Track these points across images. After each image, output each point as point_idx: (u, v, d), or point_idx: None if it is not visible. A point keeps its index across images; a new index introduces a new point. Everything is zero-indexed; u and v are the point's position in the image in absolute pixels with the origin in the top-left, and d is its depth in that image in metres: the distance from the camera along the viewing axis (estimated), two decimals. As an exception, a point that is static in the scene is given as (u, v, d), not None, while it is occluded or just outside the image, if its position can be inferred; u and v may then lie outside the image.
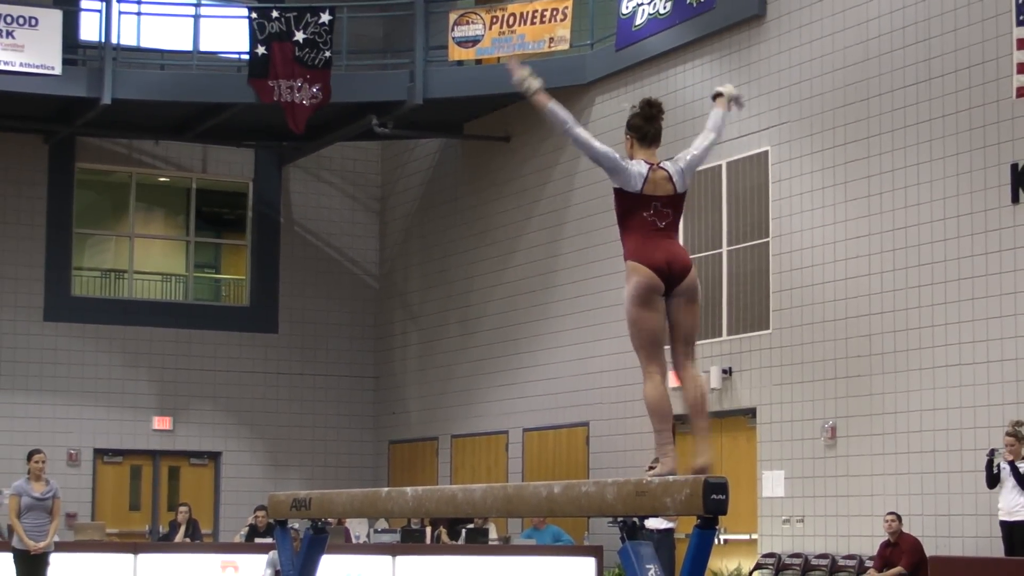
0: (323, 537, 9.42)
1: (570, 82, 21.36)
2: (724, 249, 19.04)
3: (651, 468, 6.96)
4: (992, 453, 14.55)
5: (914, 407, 16.33)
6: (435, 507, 8.22)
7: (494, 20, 21.93)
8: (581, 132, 7.03)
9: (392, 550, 18.58)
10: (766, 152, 18.48)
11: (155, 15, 24.17)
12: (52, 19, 21.63)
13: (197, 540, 20.76)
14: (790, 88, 18.18)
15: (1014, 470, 14.29)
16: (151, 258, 26.02)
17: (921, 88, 16.56)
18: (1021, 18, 15.09)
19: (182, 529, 20.55)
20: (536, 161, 22.57)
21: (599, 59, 20.79)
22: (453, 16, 22.28)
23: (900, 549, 15.71)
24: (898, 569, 15.61)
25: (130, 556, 17.90)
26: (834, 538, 17.26)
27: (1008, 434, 14.42)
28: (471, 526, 20.03)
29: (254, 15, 21.98)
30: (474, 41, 22.10)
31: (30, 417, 23.59)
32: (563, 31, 21.35)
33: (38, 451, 14.83)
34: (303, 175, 26.28)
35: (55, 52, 21.45)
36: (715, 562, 18.11)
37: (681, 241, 7.30)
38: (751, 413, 18.47)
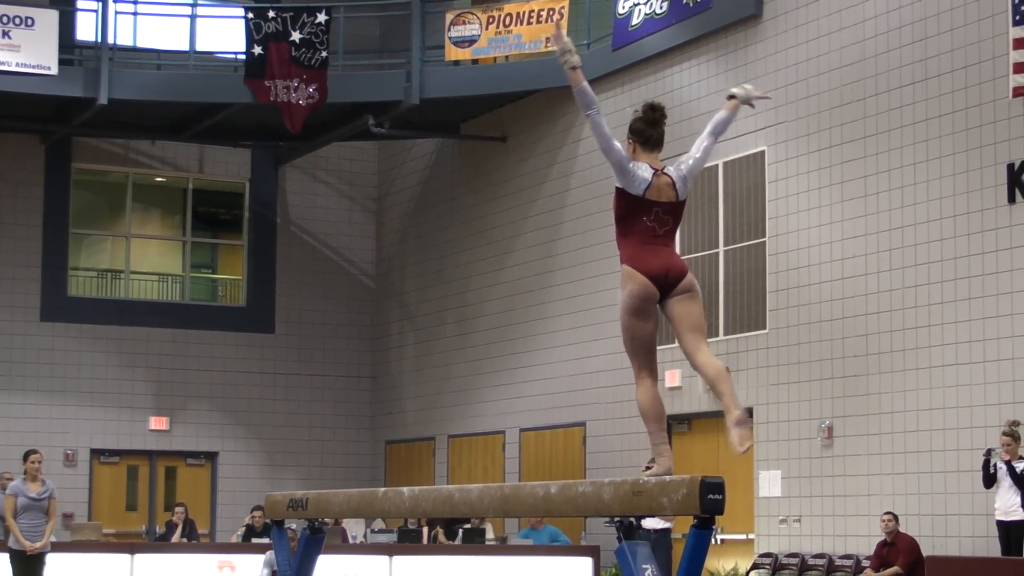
0: (320, 537, 9.41)
1: (566, 82, 21.26)
2: (721, 249, 19.04)
3: (648, 468, 6.96)
4: (989, 453, 14.56)
5: (911, 407, 16.34)
6: (432, 507, 8.21)
7: (490, 20, 21.93)
8: (603, 121, 7.01)
9: (389, 550, 18.57)
10: (762, 152, 18.48)
11: (151, 15, 24.15)
12: (48, 19, 21.62)
13: (194, 540, 20.75)
14: (786, 88, 18.18)
15: (1011, 470, 14.30)
16: (148, 258, 26.01)
17: (917, 88, 16.57)
18: (1017, 18, 15.11)
19: (179, 529, 20.55)
20: (532, 161, 22.57)
21: (595, 59, 20.77)
22: (449, 16, 22.28)
23: (897, 549, 15.71)
24: (895, 569, 15.62)
25: (127, 556, 17.89)
26: (831, 538, 17.27)
27: (1005, 434, 14.43)
28: (468, 526, 20.03)
29: (250, 15, 21.97)
30: (470, 41, 22.10)
31: (27, 417, 23.59)
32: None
33: (34, 451, 14.81)
34: (300, 175, 26.27)
35: (51, 52, 21.43)
36: (712, 562, 18.12)
37: (678, 241, 7.31)
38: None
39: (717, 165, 18.92)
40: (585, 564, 18.49)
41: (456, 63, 22.58)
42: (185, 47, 23.60)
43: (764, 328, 18.30)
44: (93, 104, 21.90)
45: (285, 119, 21.90)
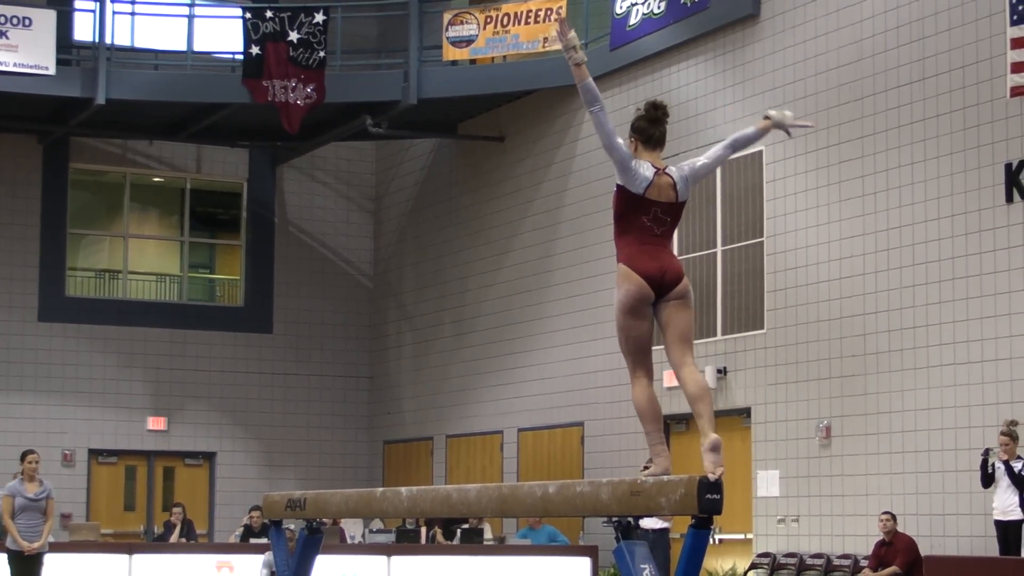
0: (318, 537, 9.41)
1: (564, 82, 21.35)
2: (719, 249, 19.05)
3: (646, 468, 6.96)
4: (987, 452, 14.56)
5: (908, 407, 16.34)
6: (430, 507, 8.22)
7: (488, 20, 21.93)
8: (607, 119, 7.00)
9: (387, 550, 18.57)
10: (760, 152, 18.48)
11: (149, 15, 24.14)
12: (46, 19, 21.61)
13: (192, 540, 20.75)
14: (784, 88, 18.18)
15: (1009, 469, 14.30)
16: (145, 258, 26.00)
17: (915, 88, 16.57)
18: (1015, 18, 15.11)
19: (177, 529, 20.54)
20: (530, 161, 22.57)
21: (593, 59, 20.74)
22: (447, 16, 22.28)
23: (895, 548, 15.71)
24: (893, 569, 15.62)
25: (125, 556, 17.88)
26: (829, 538, 17.27)
27: (1003, 433, 14.43)
28: (466, 526, 20.03)
29: (248, 15, 21.97)
30: (468, 41, 22.10)
31: (25, 418, 23.58)
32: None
33: (31, 451, 14.79)
34: (297, 175, 26.27)
35: (49, 52, 21.43)
36: (710, 562, 18.12)
37: (676, 241, 7.29)
38: (746, 413, 18.48)
39: (715, 165, 18.90)
40: (583, 564, 18.49)
41: (454, 63, 22.58)
42: (183, 47, 23.60)
43: (762, 328, 18.30)
44: (91, 104, 21.90)
45: (283, 119, 21.89)
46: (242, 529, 20.23)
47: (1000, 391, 15.37)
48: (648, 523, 16.69)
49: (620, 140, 7.01)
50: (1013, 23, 15.13)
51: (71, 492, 23.24)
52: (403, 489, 8.41)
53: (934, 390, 16.05)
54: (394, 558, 18.23)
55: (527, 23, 21.61)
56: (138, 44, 24.34)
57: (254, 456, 25.20)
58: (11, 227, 24.11)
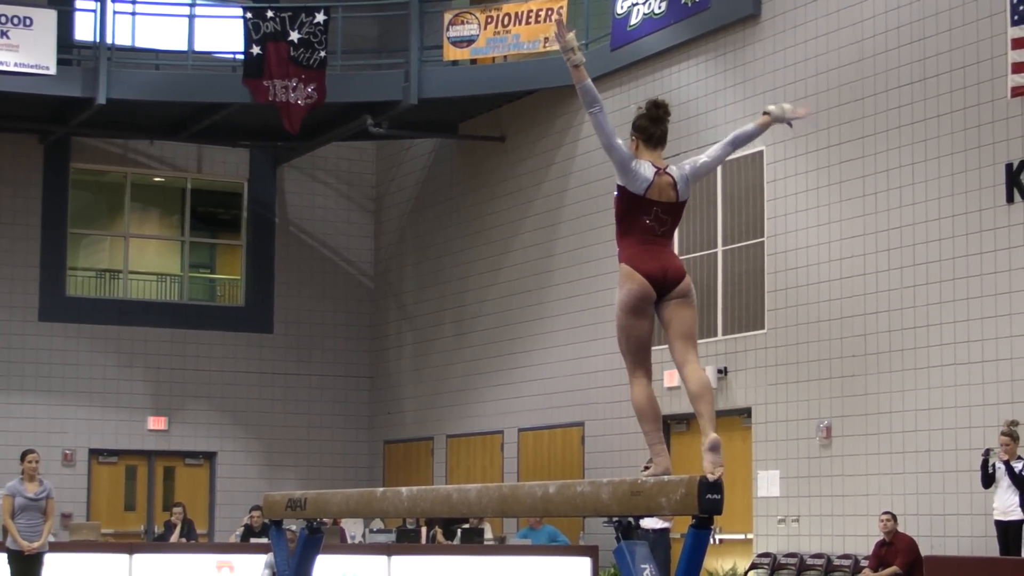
0: (318, 537, 9.41)
1: (565, 82, 21.31)
2: (719, 249, 19.04)
3: (646, 468, 6.96)
4: (987, 453, 14.56)
5: (909, 407, 16.34)
6: (430, 507, 8.21)
7: (489, 20, 21.93)
8: (606, 119, 6.99)
9: (387, 550, 18.57)
10: (761, 152, 18.47)
11: (150, 15, 24.14)
12: (47, 19, 21.61)
13: (192, 540, 20.74)
14: (784, 88, 18.18)
15: (1009, 470, 14.30)
16: (146, 258, 26.00)
17: (916, 88, 16.57)
18: (1015, 18, 15.11)
19: (177, 529, 20.54)
20: (531, 161, 22.57)
21: (594, 59, 20.75)
22: (448, 16, 22.28)
23: (895, 548, 15.71)
24: (893, 569, 15.62)
25: (125, 556, 17.88)
26: (829, 538, 17.27)
27: (1003, 433, 14.43)
28: (466, 526, 20.03)
29: (249, 15, 21.97)
30: (469, 41, 22.10)
31: (25, 417, 23.58)
32: (558, 31, 21.31)
33: (31, 451, 14.79)
34: (298, 175, 26.27)
35: (50, 52, 21.42)
36: (710, 562, 18.12)
37: (676, 241, 7.28)
38: (746, 413, 18.48)
39: (716, 165, 18.90)
40: (584, 564, 18.48)
41: (454, 63, 22.58)
42: (183, 47, 23.60)
43: (762, 328, 18.30)
44: (91, 104, 21.90)
45: (283, 119, 21.89)
46: (242, 529, 20.23)
47: (1000, 391, 15.37)
48: (648, 523, 16.69)
49: (620, 141, 7.01)
50: (1014, 23, 15.13)
51: (71, 492, 23.24)
52: (403, 489, 8.40)
53: (935, 390, 16.05)
54: (394, 558, 18.23)
55: (528, 23, 21.62)
56: (139, 44, 24.34)
57: (254, 456, 25.20)
58: (12, 227, 24.11)
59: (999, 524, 14.49)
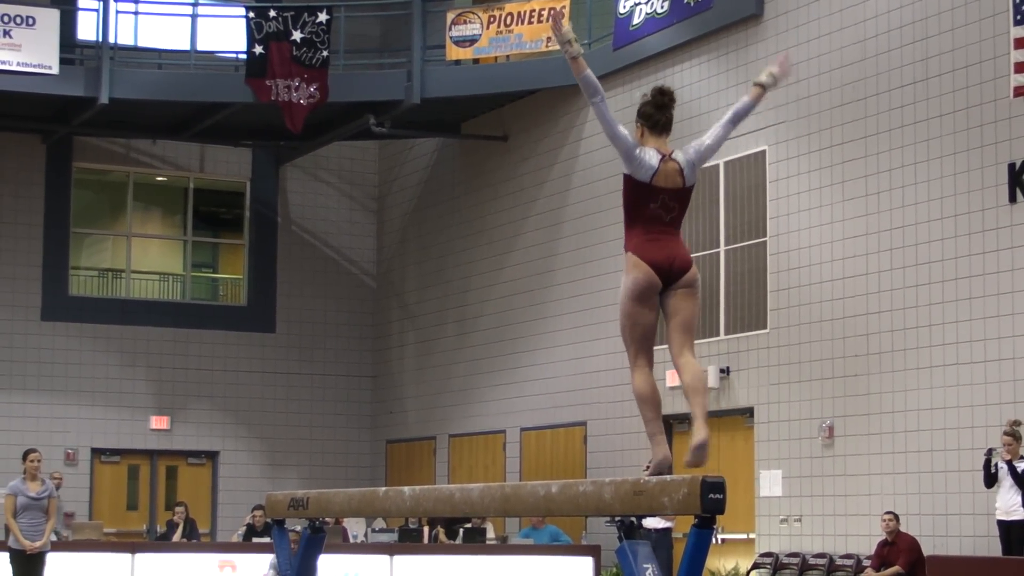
0: (321, 537, 9.41)
1: (567, 82, 21.35)
2: (722, 248, 19.04)
3: (648, 467, 6.96)
4: (990, 452, 14.55)
5: (912, 406, 16.33)
6: (433, 507, 8.21)
7: (491, 19, 21.93)
8: (608, 108, 6.99)
9: (390, 549, 18.58)
10: (763, 151, 18.48)
11: (152, 14, 24.16)
12: (49, 18, 21.62)
13: (195, 540, 20.75)
14: (787, 88, 18.17)
15: (1012, 469, 14.29)
16: (148, 258, 26.01)
17: (918, 88, 16.56)
18: (1018, 17, 15.10)
19: (180, 529, 20.55)
20: (533, 161, 22.57)
21: (596, 59, 20.76)
22: (450, 15, 22.28)
23: (897, 548, 15.71)
24: (895, 568, 15.61)
25: (128, 556, 17.89)
26: (831, 537, 17.26)
27: (1006, 433, 14.42)
28: (469, 525, 20.03)
29: (251, 14, 21.97)
30: (471, 41, 22.10)
31: (28, 417, 23.59)
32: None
33: (33, 450, 14.79)
34: (301, 174, 26.28)
35: (52, 51, 21.43)
36: (713, 561, 18.12)
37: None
38: (749, 413, 18.47)
39: (718, 165, 18.92)
40: (586, 564, 18.48)
41: (457, 62, 22.58)
42: (186, 46, 23.60)
43: (765, 328, 18.29)
44: (94, 103, 21.90)
45: (286, 118, 21.90)
46: (245, 528, 20.24)
47: (1003, 391, 15.36)
48: (651, 523, 16.71)
49: (623, 129, 6.98)
50: (1016, 23, 15.12)
51: (74, 491, 23.26)
52: (406, 488, 8.40)
53: (937, 390, 16.04)
54: (397, 557, 18.23)
55: (530, 23, 21.61)
56: (141, 43, 24.37)
57: (257, 455, 25.21)
58: (14, 226, 24.13)
59: (1001, 524, 14.48)
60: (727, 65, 19.12)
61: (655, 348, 7.11)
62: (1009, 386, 15.30)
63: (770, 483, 18.01)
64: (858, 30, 17.37)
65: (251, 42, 21.85)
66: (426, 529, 20.70)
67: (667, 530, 17.41)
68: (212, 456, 25.11)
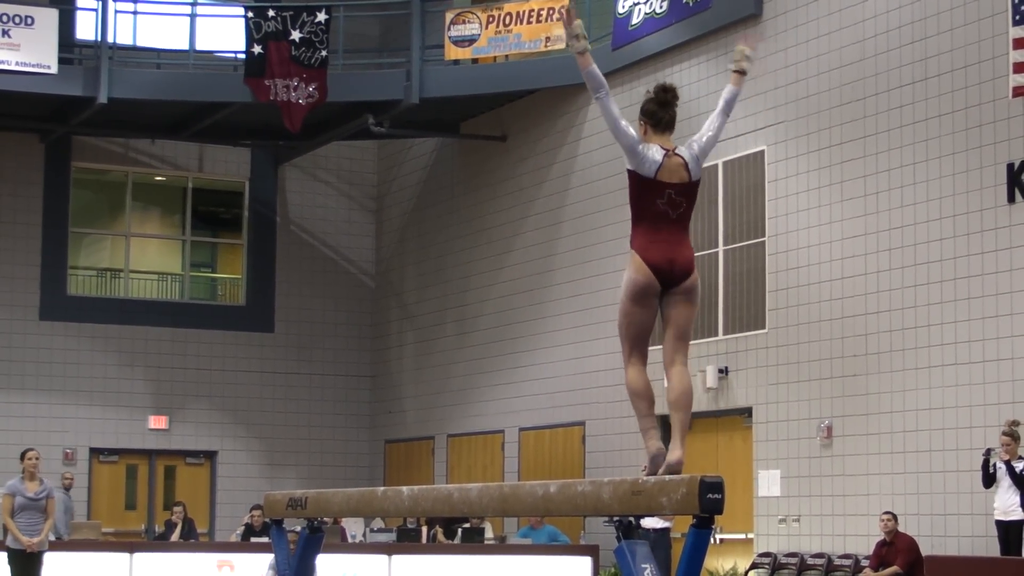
0: (319, 536, 9.40)
1: (566, 81, 21.37)
2: (720, 248, 19.04)
3: (646, 468, 6.95)
4: (988, 453, 14.55)
5: (910, 406, 16.33)
6: (431, 506, 8.21)
7: (490, 19, 21.93)
8: (612, 104, 6.98)
9: (388, 549, 18.57)
10: (762, 151, 18.48)
11: (151, 14, 24.15)
12: (48, 18, 21.61)
13: (193, 539, 20.75)
14: (786, 88, 18.18)
15: (1010, 470, 14.29)
16: (147, 257, 26.01)
17: (917, 88, 16.56)
18: (1017, 17, 15.10)
19: (178, 528, 20.55)
20: (532, 160, 22.56)
21: (595, 58, 20.63)
22: (449, 15, 22.28)
23: (896, 548, 15.70)
24: (894, 568, 15.61)
25: (126, 555, 17.88)
26: (830, 537, 17.26)
27: (1004, 433, 14.42)
28: (467, 525, 20.03)
29: (250, 14, 21.97)
30: (470, 40, 22.09)
31: (26, 416, 23.58)
32: (559, 30, 21.33)
33: (31, 449, 14.78)
34: (299, 174, 26.27)
35: (51, 51, 21.43)
36: (711, 561, 18.12)
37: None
38: (747, 412, 18.47)
39: (717, 164, 18.92)
40: (584, 563, 18.48)
41: (456, 62, 22.58)
42: (185, 46, 23.60)
43: (763, 328, 18.29)
44: (93, 103, 21.90)
45: (285, 118, 21.90)
46: (243, 528, 20.23)
47: (1001, 391, 15.36)
48: (649, 523, 16.70)
49: (626, 124, 6.97)
50: (1015, 23, 15.12)
51: (73, 491, 23.22)
52: (404, 488, 8.40)
53: (935, 390, 16.04)
54: (395, 557, 18.23)
55: (529, 22, 21.61)
56: (140, 43, 24.36)
57: (255, 455, 25.20)
58: (13, 226, 24.12)
59: (1000, 524, 14.48)
60: (726, 65, 19.08)
61: (652, 348, 7.11)
62: (1008, 386, 15.30)
63: (768, 483, 18.01)
64: (857, 30, 17.37)
65: (250, 42, 21.85)
66: (424, 529, 20.70)
67: (665, 530, 17.41)
68: (210, 456, 25.10)
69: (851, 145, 17.31)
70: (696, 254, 7.24)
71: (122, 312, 24.70)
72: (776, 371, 18.04)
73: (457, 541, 19.88)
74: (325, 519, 9.53)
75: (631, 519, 6.62)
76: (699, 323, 17.78)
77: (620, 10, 20.62)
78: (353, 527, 21.03)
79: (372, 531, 20.74)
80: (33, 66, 21.32)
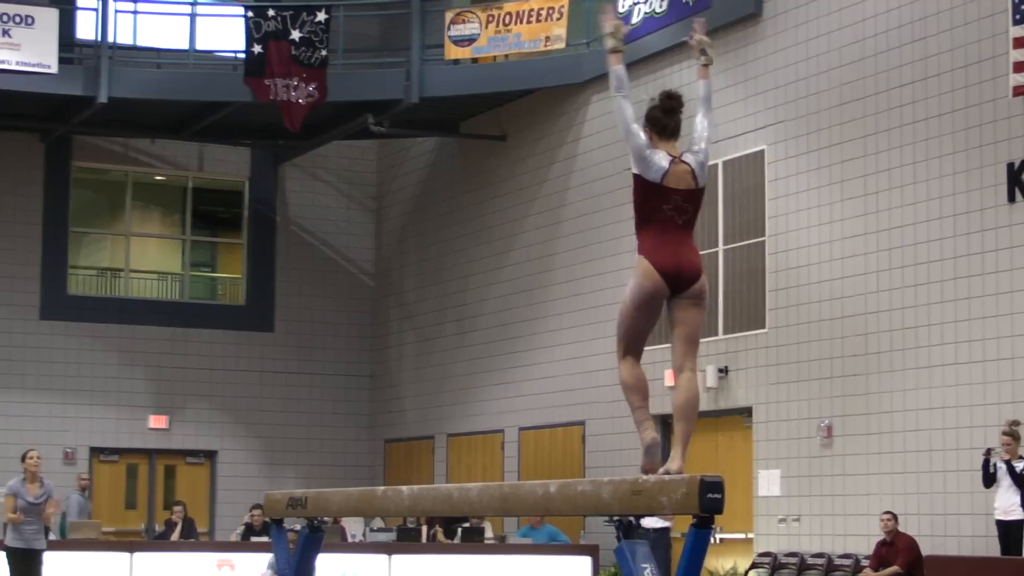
0: (319, 536, 9.40)
1: (566, 81, 21.37)
2: (720, 248, 19.05)
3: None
4: (988, 452, 14.55)
5: (910, 406, 16.33)
6: (431, 506, 8.21)
7: (490, 19, 21.92)
8: (628, 105, 6.98)
9: (388, 549, 18.57)
10: (762, 151, 18.48)
11: (151, 14, 24.15)
12: (48, 18, 21.61)
13: (193, 539, 20.75)
14: (786, 87, 18.18)
15: (1010, 469, 14.29)
16: (147, 257, 26.01)
17: (917, 87, 16.56)
18: (1018, 17, 15.11)
19: (178, 528, 20.55)
20: (532, 160, 22.56)
21: (595, 58, 20.76)
22: (449, 15, 22.28)
23: (896, 548, 15.70)
24: (894, 568, 15.61)
25: (126, 555, 17.88)
26: (830, 537, 17.26)
27: (1004, 433, 14.42)
28: (467, 525, 20.03)
29: (250, 14, 21.97)
30: (470, 40, 22.09)
31: (26, 416, 23.58)
32: (559, 30, 21.34)
33: (31, 450, 14.75)
34: (299, 174, 26.27)
35: (51, 51, 21.42)
36: (711, 561, 18.12)
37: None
38: (747, 412, 18.47)
39: (717, 164, 18.91)
40: (584, 563, 18.48)
41: (456, 62, 22.58)
42: (185, 46, 23.59)
43: (763, 327, 18.29)
44: (93, 102, 21.90)
45: (285, 118, 21.90)
46: (243, 527, 20.23)
47: (1002, 391, 15.36)
48: (649, 522, 16.68)
49: (637, 128, 6.97)
50: (1015, 22, 15.13)
51: (73, 490, 23.23)
52: (404, 488, 8.40)
53: (936, 390, 16.04)
54: (395, 557, 18.23)
55: (529, 22, 21.60)
56: (140, 43, 24.34)
57: (255, 454, 25.20)
58: (13, 225, 24.12)
59: (1000, 524, 14.48)
60: (726, 64, 19.09)
61: (649, 348, 7.12)
62: (1008, 386, 15.30)
63: (768, 483, 18.01)
64: (857, 29, 17.37)
65: (250, 41, 21.85)
66: (424, 528, 20.69)
67: (665, 530, 17.40)
68: (210, 455, 25.11)
69: (851, 145, 17.30)
70: (697, 254, 7.22)
71: (122, 312, 24.70)
72: (776, 371, 18.04)
73: (457, 541, 19.88)
74: (325, 518, 9.52)
75: (631, 519, 6.62)
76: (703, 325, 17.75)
77: (620, 9, 20.62)
78: (353, 526, 21.04)
79: (372, 531, 20.73)
80: (33, 66, 21.32)
